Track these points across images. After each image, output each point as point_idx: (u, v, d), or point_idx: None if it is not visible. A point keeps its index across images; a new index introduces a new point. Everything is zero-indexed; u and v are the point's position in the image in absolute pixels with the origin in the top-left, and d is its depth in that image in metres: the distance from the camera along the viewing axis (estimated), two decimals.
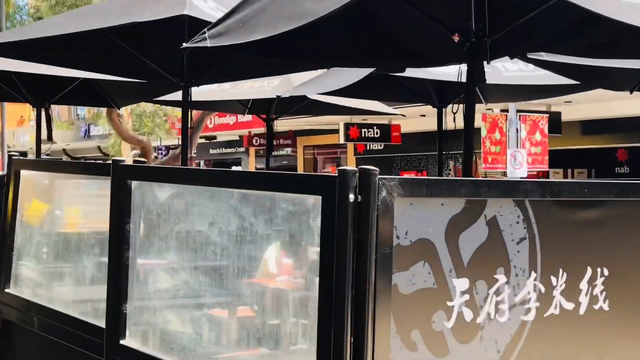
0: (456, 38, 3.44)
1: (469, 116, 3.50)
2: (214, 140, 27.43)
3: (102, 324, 2.74)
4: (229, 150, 28.23)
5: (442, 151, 6.47)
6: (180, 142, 11.96)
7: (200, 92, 7.71)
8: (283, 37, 3.48)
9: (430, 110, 12.87)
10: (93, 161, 3.50)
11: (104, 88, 7.63)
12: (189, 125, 5.29)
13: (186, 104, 5.35)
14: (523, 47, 4.04)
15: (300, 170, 25.40)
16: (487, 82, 3.87)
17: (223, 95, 8.15)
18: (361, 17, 3.69)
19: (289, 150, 25.99)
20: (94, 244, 3.07)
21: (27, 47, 5.43)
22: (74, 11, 5.75)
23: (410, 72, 5.68)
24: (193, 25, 4.81)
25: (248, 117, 23.16)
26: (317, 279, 1.91)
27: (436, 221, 2.01)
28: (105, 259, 2.90)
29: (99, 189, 3.12)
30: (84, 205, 3.19)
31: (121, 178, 2.67)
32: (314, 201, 1.97)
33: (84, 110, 36.28)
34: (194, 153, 28.84)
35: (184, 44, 3.85)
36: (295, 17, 3.38)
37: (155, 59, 5.46)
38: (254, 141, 24.16)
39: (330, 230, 1.87)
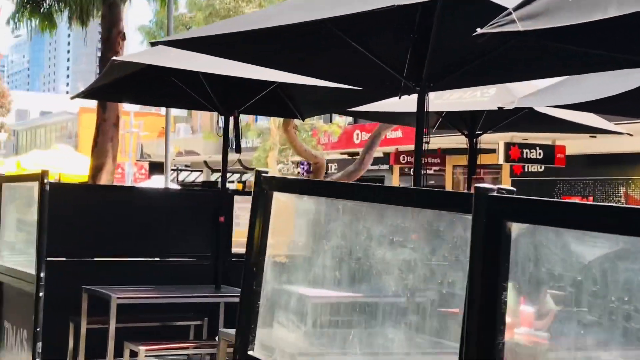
0: None
1: None
2: (357, 156, 26.56)
3: None
4: (371, 167, 27.33)
5: None
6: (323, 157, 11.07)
7: (388, 102, 6.77)
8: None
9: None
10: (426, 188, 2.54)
11: (293, 96, 6.81)
12: (428, 146, 4.31)
13: (422, 113, 4.36)
14: None
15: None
16: None
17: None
18: None
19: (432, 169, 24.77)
20: (404, 308, 2.09)
21: (230, 42, 4.63)
22: (288, 2, 4.88)
23: None
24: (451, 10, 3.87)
25: (397, 134, 22.22)
26: None
27: None
28: (432, 334, 1.92)
29: (400, 222, 2.16)
30: (379, 246, 2.22)
31: (495, 218, 1.67)
32: None
33: None
34: (335, 169, 28.19)
35: (479, 30, 2.84)
36: None
37: (382, 58, 4.53)
38: (401, 159, 23.14)
39: None
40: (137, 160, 37.31)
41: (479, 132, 7.18)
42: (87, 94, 7.01)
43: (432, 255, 2.03)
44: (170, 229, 6.95)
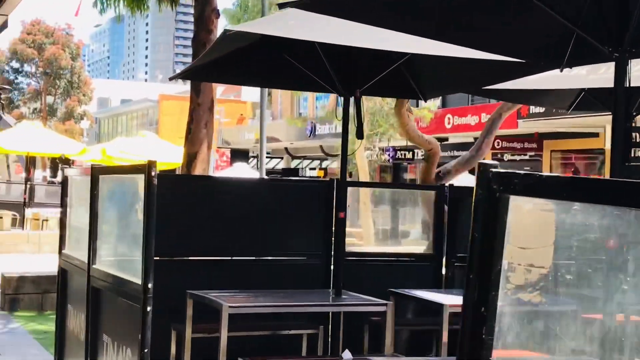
0: None
1: None
2: (446, 142, 25.45)
3: None
4: (460, 153, 26.20)
5: None
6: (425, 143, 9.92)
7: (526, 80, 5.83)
8: None
9: None
10: None
11: (417, 74, 5.93)
12: (634, 123, 3.37)
13: (622, 87, 3.43)
14: None
15: None
16: None
17: (561, 82, 6.15)
18: None
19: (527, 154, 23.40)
20: None
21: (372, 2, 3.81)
22: None
23: None
24: None
25: None
26: None
27: None
28: None
29: None
30: None
31: None
32: None
33: (306, 109, 35.84)
34: (421, 155, 27.13)
35: None
36: None
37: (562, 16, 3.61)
38: (495, 144, 21.88)
39: None
40: (219, 147, 37.06)
41: (634, 113, 6.15)
42: (186, 75, 6.31)
43: None
44: (276, 225, 6.17)
